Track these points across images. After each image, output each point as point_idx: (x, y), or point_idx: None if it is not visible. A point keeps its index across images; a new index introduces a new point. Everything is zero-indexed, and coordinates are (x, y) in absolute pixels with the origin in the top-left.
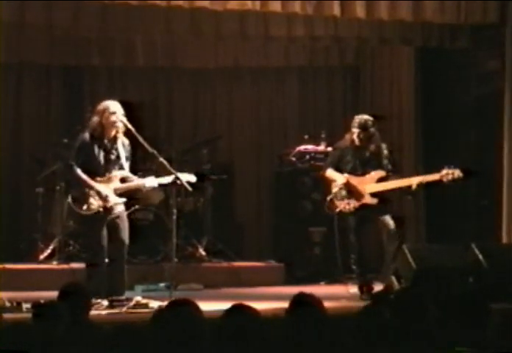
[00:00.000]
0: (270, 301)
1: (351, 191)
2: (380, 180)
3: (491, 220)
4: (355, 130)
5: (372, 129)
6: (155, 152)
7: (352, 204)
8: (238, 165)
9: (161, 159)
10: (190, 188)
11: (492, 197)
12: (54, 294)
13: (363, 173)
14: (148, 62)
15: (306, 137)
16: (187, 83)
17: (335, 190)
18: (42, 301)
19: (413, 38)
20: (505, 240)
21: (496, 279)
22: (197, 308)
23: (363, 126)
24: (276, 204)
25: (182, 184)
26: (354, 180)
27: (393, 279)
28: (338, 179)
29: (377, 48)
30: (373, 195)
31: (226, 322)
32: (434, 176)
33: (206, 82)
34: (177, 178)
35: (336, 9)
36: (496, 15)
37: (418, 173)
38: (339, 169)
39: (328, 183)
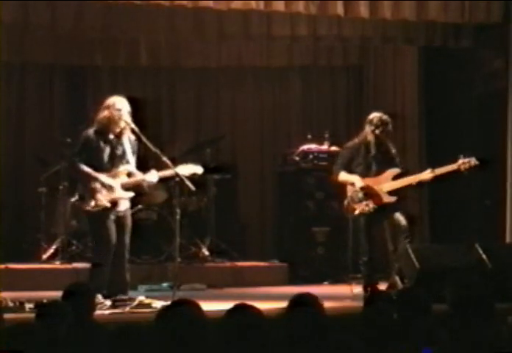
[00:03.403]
0: (273, 301)
1: (367, 192)
2: (396, 178)
3: (494, 220)
4: (372, 128)
5: (390, 126)
6: (158, 152)
7: (371, 205)
8: (241, 164)
9: (164, 158)
10: (193, 187)
11: (495, 197)
12: (57, 294)
13: (378, 173)
14: (151, 62)
15: (309, 136)
16: (190, 83)
17: (350, 193)
18: (45, 301)
19: (417, 38)
20: (508, 239)
21: (500, 279)
22: (199, 308)
23: (381, 124)
24: (279, 204)
25: (184, 183)
26: (370, 181)
27: (397, 278)
28: (356, 182)
29: (381, 48)
30: (390, 193)
31: (228, 322)
32: (452, 167)
33: (209, 82)
34: (179, 176)
35: (340, 9)
36: (499, 15)
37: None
38: (350, 170)
39: (342, 186)
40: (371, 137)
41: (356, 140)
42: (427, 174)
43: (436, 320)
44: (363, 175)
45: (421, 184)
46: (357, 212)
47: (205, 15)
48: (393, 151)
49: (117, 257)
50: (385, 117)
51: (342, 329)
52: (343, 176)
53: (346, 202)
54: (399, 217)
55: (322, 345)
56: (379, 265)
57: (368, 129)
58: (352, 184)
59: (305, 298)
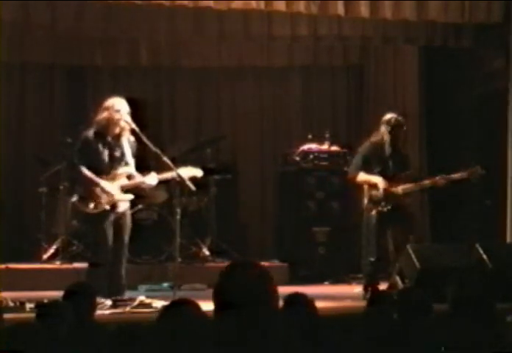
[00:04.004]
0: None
1: (386, 193)
2: (410, 180)
3: (494, 220)
4: (389, 128)
5: (404, 127)
6: (159, 152)
7: (389, 206)
8: (242, 164)
9: (165, 158)
10: (193, 187)
11: (496, 197)
12: (57, 294)
13: (394, 173)
14: (151, 62)
15: (310, 136)
16: (190, 83)
17: (369, 193)
18: (45, 301)
19: (417, 37)
20: (508, 239)
21: (500, 279)
22: (198, 308)
23: (398, 124)
24: (280, 204)
25: (185, 183)
26: (389, 182)
27: (397, 278)
28: (379, 183)
29: (381, 48)
30: (405, 195)
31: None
32: (462, 175)
33: (210, 82)
34: (180, 177)
35: (340, 9)
36: (500, 15)
37: (423, 171)
38: (367, 170)
39: (359, 185)
40: (387, 138)
41: (373, 140)
42: (440, 180)
43: (436, 320)
44: (381, 175)
45: (432, 188)
46: (374, 212)
47: (205, 15)
48: (405, 152)
49: (116, 257)
50: (400, 118)
51: (342, 329)
52: (363, 176)
53: (365, 202)
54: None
55: (317, 344)
56: (381, 265)
57: (384, 129)
58: (374, 184)
59: (298, 298)
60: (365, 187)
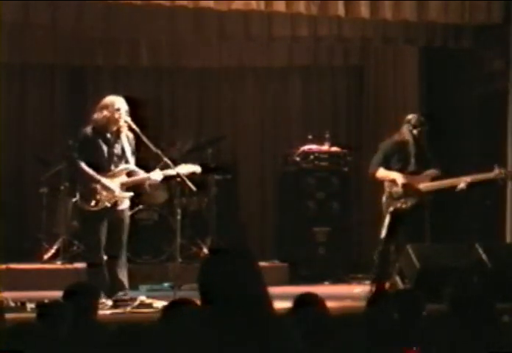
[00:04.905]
0: (273, 300)
1: (406, 190)
2: (434, 179)
3: (494, 220)
4: (410, 128)
5: (426, 128)
6: (159, 152)
7: (409, 203)
8: (242, 164)
9: (165, 159)
10: (194, 188)
11: (495, 197)
12: (58, 294)
13: (415, 172)
14: (152, 62)
15: (310, 137)
16: (191, 83)
17: (389, 189)
18: (46, 301)
19: (417, 38)
20: (508, 239)
21: (500, 279)
22: (198, 308)
23: (419, 124)
24: (280, 204)
25: (185, 183)
26: (410, 179)
27: (397, 278)
28: (397, 178)
29: (381, 48)
30: (427, 193)
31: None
32: (488, 175)
33: (210, 82)
34: (180, 177)
35: (340, 9)
36: (500, 15)
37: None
38: (388, 166)
39: (379, 182)
40: (409, 137)
41: (395, 138)
42: (464, 180)
43: (436, 320)
44: (401, 172)
45: (453, 187)
46: (391, 209)
47: (206, 16)
48: (429, 152)
49: (115, 256)
50: (422, 118)
51: (343, 329)
52: (383, 172)
53: (384, 198)
54: None
55: (326, 344)
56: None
57: (406, 128)
58: (393, 180)
59: (309, 298)
60: (386, 183)
